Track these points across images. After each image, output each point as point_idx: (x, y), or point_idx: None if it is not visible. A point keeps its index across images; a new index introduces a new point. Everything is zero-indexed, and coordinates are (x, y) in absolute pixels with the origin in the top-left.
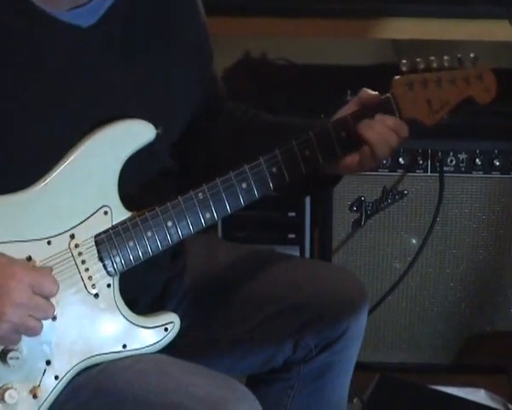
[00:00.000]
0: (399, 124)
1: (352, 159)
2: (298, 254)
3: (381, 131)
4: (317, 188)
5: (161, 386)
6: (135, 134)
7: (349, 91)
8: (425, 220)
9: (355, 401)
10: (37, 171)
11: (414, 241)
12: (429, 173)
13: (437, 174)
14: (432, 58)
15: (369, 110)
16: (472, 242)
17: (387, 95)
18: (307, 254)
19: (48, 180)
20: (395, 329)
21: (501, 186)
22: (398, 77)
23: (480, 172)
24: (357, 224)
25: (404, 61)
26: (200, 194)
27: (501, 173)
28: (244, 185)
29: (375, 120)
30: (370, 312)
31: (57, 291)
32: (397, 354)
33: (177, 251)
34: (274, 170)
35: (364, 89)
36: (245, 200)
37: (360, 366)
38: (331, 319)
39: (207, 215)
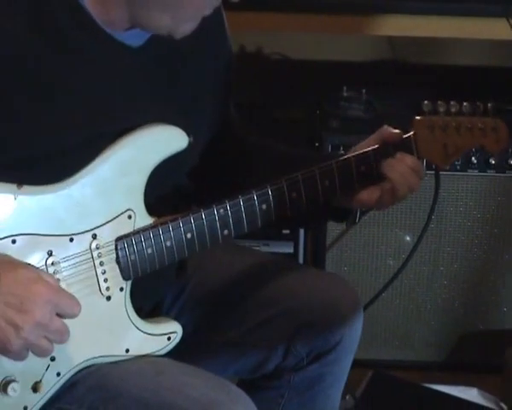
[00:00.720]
0: (419, 165)
1: (368, 194)
2: (292, 250)
3: (403, 170)
4: (323, 219)
5: (156, 385)
6: (169, 140)
7: (345, 87)
8: (420, 218)
9: (347, 397)
10: (70, 168)
11: (408, 238)
12: (425, 171)
13: (432, 172)
14: (452, 103)
15: (389, 147)
16: (466, 240)
17: (410, 134)
18: (301, 250)
19: (77, 177)
20: (388, 326)
21: (496, 185)
22: (420, 118)
23: (476, 171)
24: (351, 221)
25: (426, 102)
26: (221, 209)
27: (496, 172)
28: (264, 207)
29: (397, 159)
30: (364, 309)
31: (77, 315)
32: (390, 351)
33: (182, 264)
34: (294, 194)
35: (386, 126)
36: (262, 221)
37: (353, 363)
38: (324, 329)
39: (225, 232)
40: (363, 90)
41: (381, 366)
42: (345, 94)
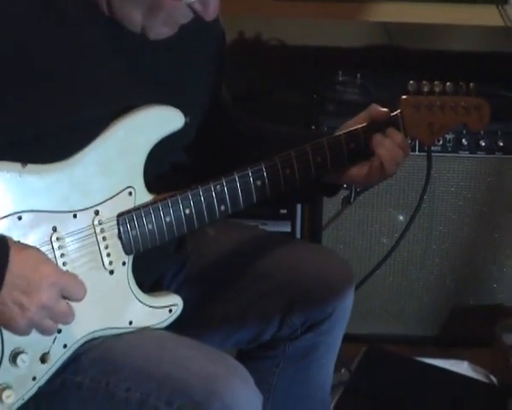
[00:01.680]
0: (406, 141)
1: (358, 170)
2: (289, 229)
3: (391, 147)
4: (316, 194)
5: (158, 358)
6: (166, 120)
7: (340, 72)
8: (412, 198)
9: (343, 371)
10: (72, 147)
11: (401, 217)
12: (417, 153)
13: (425, 154)
14: (436, 83)
15: (377, 125)
16: (457, 219)
17: (397, 113)
18: (298, 229)
19: (80, 156)
20: (382, 302)
21: (486, 166)
22: (406, 97)
23: (466, 152)
24: (346, 201)
25: (411, 82)
26: (218, 186)
27: (486, 153)
28: (259, 183)
29: (386, 137)
30: (359, 286)
31: (82, 299)
32: (384, 327)
33: (182, 241)
34: (287, 171)
35: (374, 105)
36: (257, 197)
37: (348, 338)
38: (318, 300)
39: (222, 208)
40: (358, 75)
41: (375, 341)
42: (340, 78)
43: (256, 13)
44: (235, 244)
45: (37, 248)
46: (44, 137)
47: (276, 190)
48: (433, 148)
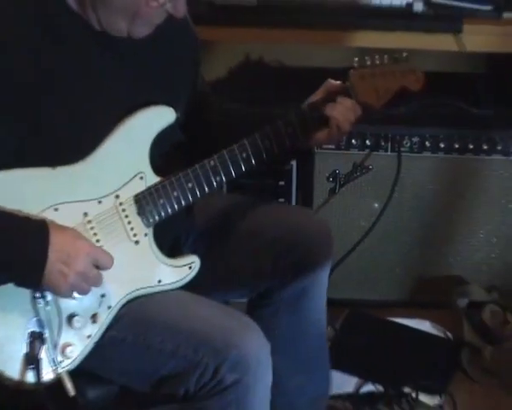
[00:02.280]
0: (355, 104)
1: (321, 134)
2: None
3: (342, 110)
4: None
5: (184, 316)
6: (162, 116)
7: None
8: (385, 189)
9: (329, 328)
10: (88, 148)
11: (376, 205)
12: (389, 153)
13: (395, 153)
14: (376, 56)
15: (333, 96)
16: (422, 206)
17: (346, 84)
18: None
19: (96, 154)
20: (362, 272)
21: (445, 164)
22: (352, 70)
23: (429, 153)
24: (332, 191)
25: (356, 59)
26: (211, 162)
27: (445, 153)
28: (244, 155)
29: (338, 102)
30: (342, 260)
31: (111, 266)
32: (362, 293)
33: (189, 209)
34: (266, 143)
35: (329, 79)
36: (245, 166)
37: (333, 302)
38: (301, 251)
39: (217, 178)
40: None
41: (356, 305)
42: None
43: (259, 40)
44: (232, 210)
45: (73, 228)
46: (64, 143)
47: (259, 159)
48: (402, 149)
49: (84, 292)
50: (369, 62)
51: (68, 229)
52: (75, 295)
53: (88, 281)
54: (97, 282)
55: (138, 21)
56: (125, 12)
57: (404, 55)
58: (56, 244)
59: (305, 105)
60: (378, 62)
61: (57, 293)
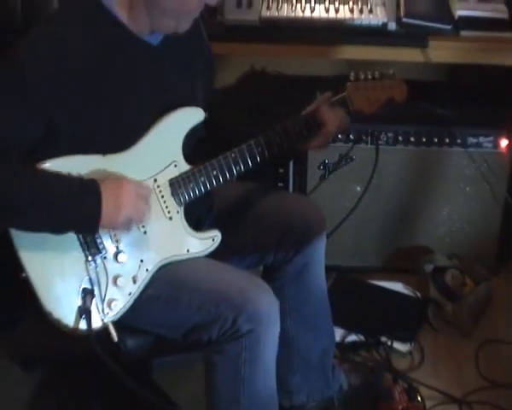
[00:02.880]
0: (343, 115)
1: (315, 139)
2: None
3: (332, 117)
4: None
5: (208, 278)
6: (194, 115)
7: (318, 92)
8: (366, 176)
9: None
10: (133, 140)
11: (358, 188)
12: (369, 145)
13: (374, 146)
14: (368, 72)
15: (331, 104)
16: (396, 189)
17: (344, 94)
18: None
19: (139, 144)
20: (347, 243)
21: (415, 155)
22: (349, 83)
23: (402, 145)
24: (322, 177)
25: (352, 73)
26: (233, 154)
27: (414, 146)
28: (260, 149)
29: (330, 111)
30: (330, 234)
31: (150, 195)
32: (347, 260)
33: (209, 194)
34: (277, 139)
35: (328, 92)
36: (260, 158)
37: None
38: (299, 232)
39: (237, 168)
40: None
41: (342, 270)
42: (318, 96)
43: (262, 53)
44: (243, 194)
45: (116, 175)
46: (116, 135)
47: (271, 152)
48: (379, 142)
49: (139, 220)
50: (362, 76)
51: (111, 178)
52: (133, 226)
53: (138, 209)
54: (146, 208)
55: (184, 18)
56: (175, 11)
57: (391, 71)
58: (106, 192)
59: (307, 111)
60: (370, 77)
61: (118, 228)
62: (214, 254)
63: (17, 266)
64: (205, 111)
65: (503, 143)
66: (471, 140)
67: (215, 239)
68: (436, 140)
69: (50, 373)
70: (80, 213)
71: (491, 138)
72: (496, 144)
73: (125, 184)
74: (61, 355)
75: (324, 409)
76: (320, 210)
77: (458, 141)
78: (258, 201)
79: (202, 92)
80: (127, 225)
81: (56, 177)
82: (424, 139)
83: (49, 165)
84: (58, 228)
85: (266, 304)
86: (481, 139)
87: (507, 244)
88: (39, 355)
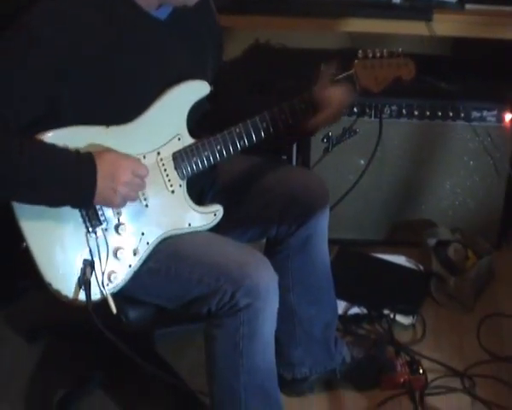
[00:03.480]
0: (349, 91)
1: (320, 116)
2: None
3: (338, 94)
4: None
5: (209, 251)
6: (199, 89)
7: (322, 64)
8: (369, 149)
9: None
10: (137, 112)
11: (362, 162)
12: (373, 119)
13: (378, 119)
14: (376, 50)
15: (337, 81)
16: (399, 162)
17: (352, 72)
18: None
19: (144, 117)
20: (350, 216)
21: (419, 129)
22: (357, 61)
23: (405, 119)
24: (326, 150)
25: (360, 51)
26: (237, 129)
27: (418, 119)
28: (264, 124)
29: (335, 88)
30: (333, 207)
31: (147, 174)
32: (350, 233)
33: (213, 167)
34: (283, 116)
35: (334, 62)
36: (264, 134)
37: None
38: (303, 204)
39: (241, 143)
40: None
41: (345, 243)
42: (322, 69)
43: (266, 26)
44: (247, 168)
45: (113, 150)
46: (120, 107)
47: (276, 128)
48: (383, 115)
49: (133, 199)
50: (370, 54)
51: (108, 152)
52: (128, 203)
53: (134, 187)
54: (141, 187)
55: None
56: None
57: (400, 50)
58: (102, 169)
59: (312, 89)
60: (378, 55)
61: (112, 205)
62: (216, 228)
63: (18, 236)
64: (210, 84)
65: (507, 117)
66: (475, 114)
67: (217, 214)
68: (440, 114)
69: (53, 344)
70: (74, 189)
71: (494, 112)
72: (499, 118)
73: (123, 162)
74: (64, 326)
75: (327, 382)
76: (323, 183)
77: (462, 115)
78: (262, 174)
79: (210, 66)
80: (122, 204)
81: (52, 151)
82: (428, 113)
83: (51, 135)
84: (53, 202)
85: (265, 279)
86: (485, 113)
87: (509, 218)
88: (42, 327)
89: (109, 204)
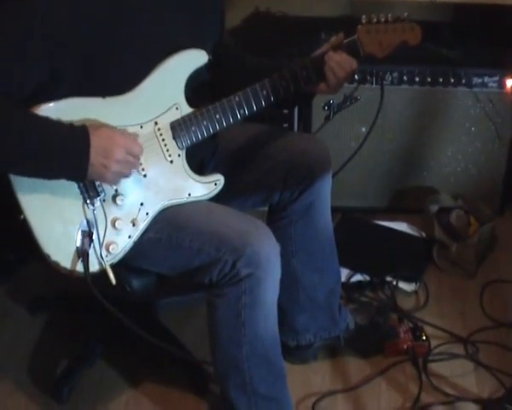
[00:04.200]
0: (350, 58)
1: (323, 85)
2: None
3: (339, 60)
4: (299, 101)
5: (209, 220)
6: (197, 57)
7: (322, 33)
8: (371, 116)
9: None
10: (134, 82)
11: (363, 129)
12: (374, 85)
13: (379, 86)
14: (381, 14)
15: (340, 48)
16: (400, 129)
17: (355, 37)
18: None
19: (141, 87)
20: (352, 184)
21: (419, 94)
22: (360, 26)
23: (407, 85)
24: (327, 118)
25: (364, 16)
26: (236, 97)
27: (419, 86)
28: (264, 92)
29: (336, 54)
30: (335, 174)
31: (141, 153)
32: (353, 201)
33: (214, 136)
34: (284, 83)
35: (341, 33)
36: (265, 102)
37: None
38: (305, 169)
39: (241, 111)
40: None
41: (347, 211)
42: (323, 37)
43: None
44: (248, 136)
45: (108, 125)
46: (118, 78)
47: (277, 95)
48: (384, 82)
49: (127, 175)
50: (374, 19)
51: (104, 128)
52: (122, 180)
53: (127, 166)
54: (135, 165)
55: None
56: None
57: (406, 14)
58: (96, 144)
59: (314, 54)
60: (383, 20)
61: (105, 182)
62: (217, 197)
63: (16, 208)
64: (209, 54)
65: (509, 82)
66: (476, 80)
67: (217, 183)
68: (441, 80)
69: (55, 316)
70: (67, 162)
71: (496, 78)
72: (501, 84)
73: (118, 139)
74: (65, 298)
75: (331, 348)
76: (326, 148)
77: (463, 81)
78: (264, 141)
79: (211, 34)
80: (114, 180)
81: (46, 122)
82: (429, 79)
83: (48, 107)
84: (47, 174)
85: (266, 248)
86: (486, 79)
87: (511, 185)
88: (44, 298)
89: (102, 180)
